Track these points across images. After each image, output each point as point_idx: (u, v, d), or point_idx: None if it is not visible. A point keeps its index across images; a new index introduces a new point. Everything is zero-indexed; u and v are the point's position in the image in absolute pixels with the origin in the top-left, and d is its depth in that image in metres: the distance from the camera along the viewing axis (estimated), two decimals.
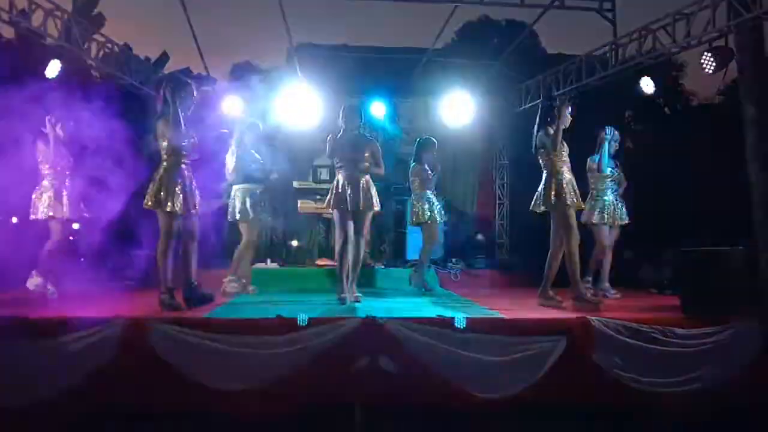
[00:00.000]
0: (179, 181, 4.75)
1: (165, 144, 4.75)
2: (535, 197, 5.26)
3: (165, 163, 4.77)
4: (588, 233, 6.02)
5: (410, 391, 3.95)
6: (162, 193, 4.68)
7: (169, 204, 4.68)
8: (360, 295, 5.38)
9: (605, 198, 6.07)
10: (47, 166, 5.53)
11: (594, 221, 6.00)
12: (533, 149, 5.26)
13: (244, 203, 5.99)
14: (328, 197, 5.38)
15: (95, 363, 3.76)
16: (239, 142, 6.13)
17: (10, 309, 4.49)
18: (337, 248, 5.36)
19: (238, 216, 6.01)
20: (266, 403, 3.82)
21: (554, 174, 5.08)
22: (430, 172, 6.63)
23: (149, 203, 4.70)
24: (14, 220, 7.74)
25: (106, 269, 6.49)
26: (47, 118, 5.51)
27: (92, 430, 3.83)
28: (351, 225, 5.30)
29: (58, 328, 3.83)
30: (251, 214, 5.99)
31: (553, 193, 5.03)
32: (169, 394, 3.81)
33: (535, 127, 5.26)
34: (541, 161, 5.23)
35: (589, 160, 6.13)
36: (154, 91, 4.90)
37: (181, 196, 4.72)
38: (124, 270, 6.50)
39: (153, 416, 3.81)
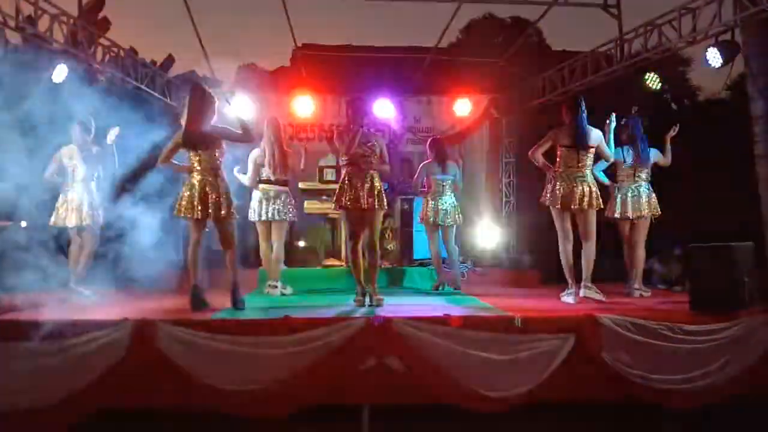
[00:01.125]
0: None
1: (218, 156, 4.85)
2: (596, 197, 5.23)
3: (222, 174, 4.89)
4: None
5: (417, 390, 3.95)
6: (232, 205, 4.88)
7: (234, 212, 4.92)
8: (382, 297, 5.11)
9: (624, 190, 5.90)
10: (96, 174, 5.70)
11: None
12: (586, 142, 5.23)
13: (279, 204, 5.90)
14: (336, 195, 5.17)
15: (104, 365, 3.78)
16: (273, 141, 5.93)
17: (20, 312, 4.53)
18: (348, 249, 5.13)
19: (274, 216, 5.89)
20: (273, 404, 3.83)
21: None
22: None
23: (226, 214, 4.81)
24: (23, 224, 7.79)
25: (113, 272, 6.53)
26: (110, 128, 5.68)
27: (95, 430, 3.84)
28: (360, 224, 5.12)
29: (66, 331, 3.85)
30: (290, 215, 5.95)
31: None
32: (178, 394, 3.83)
33: (585, 121, 5.24)
34: (587, 160, 5.27)
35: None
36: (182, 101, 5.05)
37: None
38: (131, 273, 6.53)
39: (160, 416, 3.82)
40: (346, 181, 5.10)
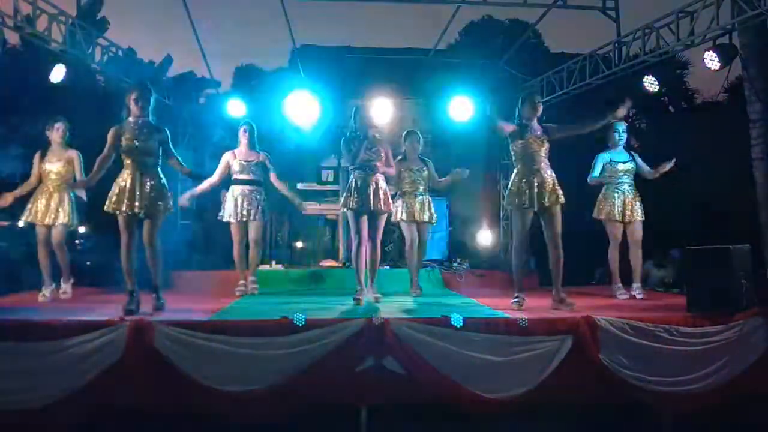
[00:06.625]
0: None
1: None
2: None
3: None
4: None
5: (415, 392, 3.95)
6: None
7: None
8: (380, 295, 5.46)
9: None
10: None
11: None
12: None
13: (254, 204, 6.08)
14: (343, 198, 5.48)
15: (100, 366, 3.77)
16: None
17: (17, 312, 4.52)
18: (352, 250, 5.46)
19: (250, 217, 6.07)
20: (270, 405, 3.82)
21: None
22: None
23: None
24: (20, 224, 7.78)
25: (110, 272, 6.52)
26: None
27: (95, 430, 3.83)
28: (365, 226, 5.39)
29: (63, 332, 3.84)
30: (266, 215, 6.25)
31: None
32: (174, 395, 3.81)
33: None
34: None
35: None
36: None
37: None
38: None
39: (156, 417, 3.80)
40: (354, 185, 5.38)
